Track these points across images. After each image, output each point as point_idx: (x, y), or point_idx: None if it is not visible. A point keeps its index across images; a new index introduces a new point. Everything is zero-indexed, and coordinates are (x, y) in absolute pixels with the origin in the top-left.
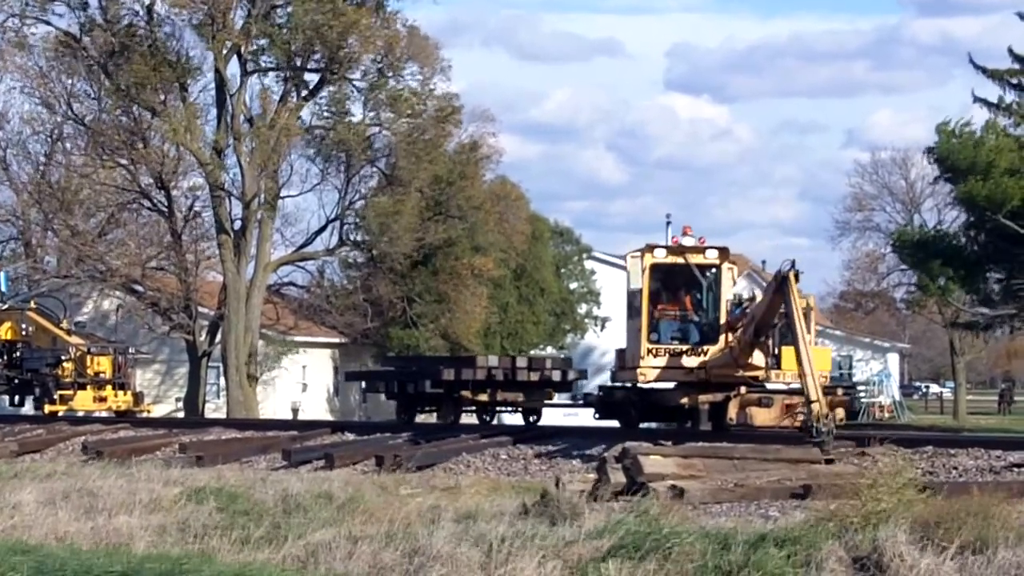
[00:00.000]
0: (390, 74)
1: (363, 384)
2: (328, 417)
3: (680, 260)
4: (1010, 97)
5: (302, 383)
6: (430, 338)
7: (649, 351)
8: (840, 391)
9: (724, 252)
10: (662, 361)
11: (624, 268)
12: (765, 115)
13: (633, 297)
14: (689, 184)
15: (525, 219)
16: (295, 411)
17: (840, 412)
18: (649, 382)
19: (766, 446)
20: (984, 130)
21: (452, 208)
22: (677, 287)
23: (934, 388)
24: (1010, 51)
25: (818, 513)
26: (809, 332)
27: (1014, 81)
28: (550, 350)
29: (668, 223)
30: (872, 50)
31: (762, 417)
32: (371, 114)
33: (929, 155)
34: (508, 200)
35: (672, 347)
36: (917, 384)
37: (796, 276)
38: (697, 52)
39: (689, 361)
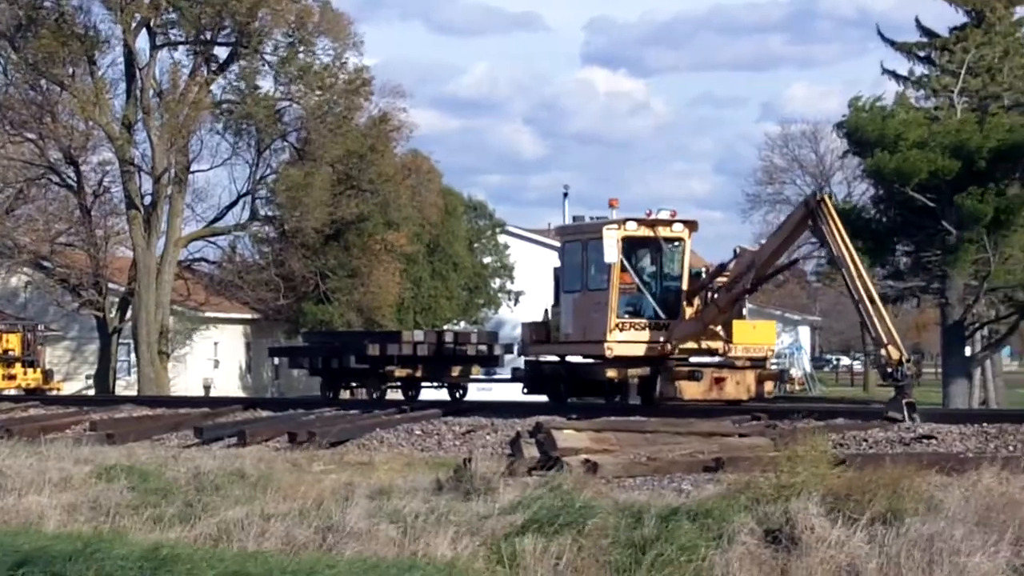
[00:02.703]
0: (301, 48)
1: (281, 360)
2: (240, 394)
3: (650, 233)
4: (919, 70)
5: (214, 360)
6: (343, 313)
7: (617, 325)
8: (771, 364)
9: (692, 225)
10: (630, 335)
11: (538, 242)
12: (683, 88)
13: (588, 270)
14: (606, 157)
15: (437, 193)
16: (207, 388)
17: (769, 385)
18: (617, 356)
19: (678, 419)
20: (895, 104)
21: (364, 182)
22: (642, 259)
23: (844, 360)
24: (918, 23)
25: (731, 486)
26: (744, 305)
27: (922, 54)
28: (464, 325)
29: (565, 195)
30: (790, 23)
31: (692, 391)
32: (282, 88)
33: (839, 129)
34: (420, 173)
35: (639, 321)
36: (828, 356)
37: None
38: (616, 25)
39: (655, 335)
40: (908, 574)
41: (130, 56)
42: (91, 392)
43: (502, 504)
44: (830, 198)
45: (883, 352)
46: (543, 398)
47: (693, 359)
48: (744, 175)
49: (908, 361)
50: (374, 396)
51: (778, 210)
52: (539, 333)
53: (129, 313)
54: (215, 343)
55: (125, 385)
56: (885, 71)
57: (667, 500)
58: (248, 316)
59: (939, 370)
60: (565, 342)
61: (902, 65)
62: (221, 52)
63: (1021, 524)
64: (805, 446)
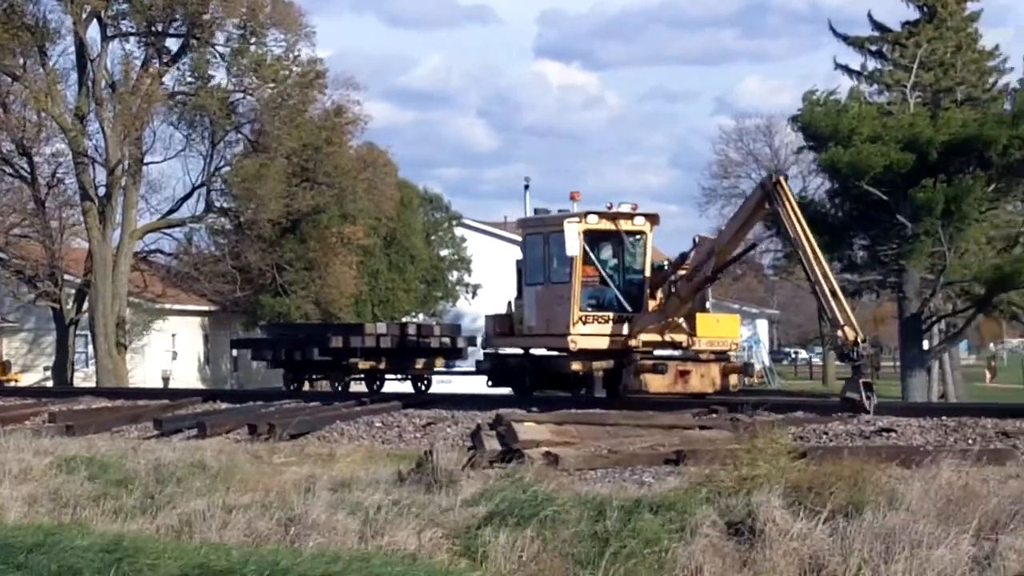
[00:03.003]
0: (253, 40)
1: (240, 352)
2: (199, 385)
3: (612, 226)
4: (872, 65)
5: (172, 351)
6: (300, 305)
7: (580, 318)
8: (735, 358)
9: (653, 218)
10: (593, 328)
11: (495, 235)
12: (636, 82)
13: (551, 262)
14: (560, 150)
15: (394, 185)
16: (165, 380)
17: (734, 378)
18: (581, 349)
19: (639, 412)
20: (848, 98)
21: (319, 174)
22: (604, 252)
23: (803, 354)
24: (870, 18)
25: (692, 478)
26: (708, 298)
27: (875, 49)
28: (422, 317)
29: (527, 187)
30: (742, 18)
31: (656, 384)
32: (234, 80)
33: (793, 123)
34: (376, 166)
35: (603, 314)
36: (786, 350)
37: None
38: (567, 18)
39: (619, 328)
40: (870, 566)
41: (81, 47)
42: (49, 384)
43: (464, 496)
44: (786, 180)
45: (839, 333)
46: (507, 391)
47: (658, 352)
48: (699, 169)
49: (864, 342)
50: (337, 388)
51: (734, 204)
52: (502, 326)
53: (86, 305)
54: (173, 335)
55: (83, 377)
56: (838, 66)
57: (629, 492)
58: (206, 308)
59: (897, 364)
60: (529, 335)
61: (855, 60)
62: (173, 44)
63: (981, 516)
64: (765, 439)
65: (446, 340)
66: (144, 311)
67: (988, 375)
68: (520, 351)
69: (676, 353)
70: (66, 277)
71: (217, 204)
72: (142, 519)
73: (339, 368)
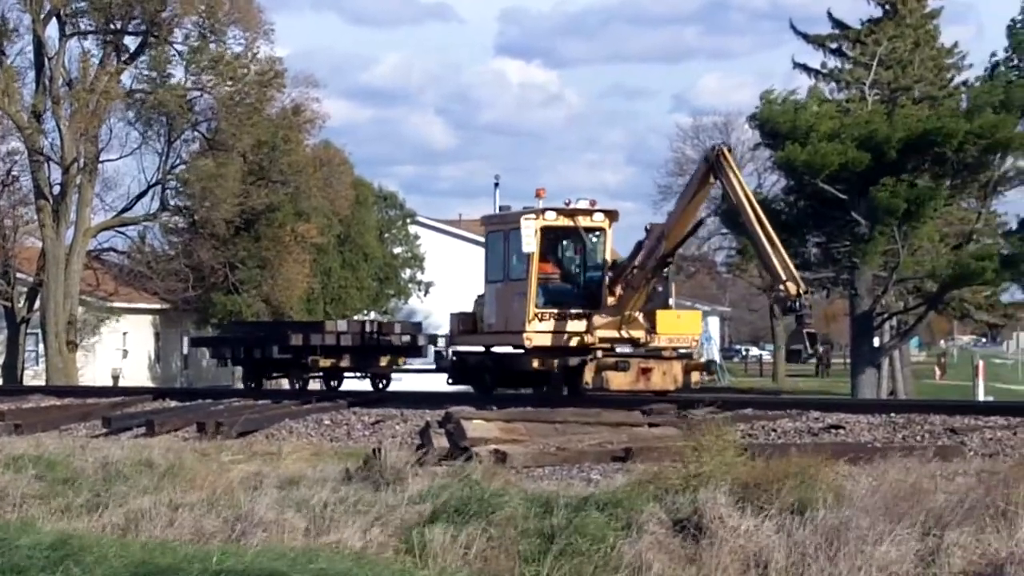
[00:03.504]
0: (212, 38)
1: (191, 350)
2: (149, 384)
3: (570, 223)
4: (832, 63)
5: (123, 350)
6: (252, 304)
7: (536, 315)
8: (699, 355)
9: (612, 215)
10: (549, 325)
11: (449, 233)
12: (596, 80)
13: (510, 259)
14: (518, 148)
15: (349, 184)
16: (116, 378)
17: (696, 375)
18: (538, 346)
19: (587, 410)
20: (807, 96)
21: (275, 173)
22: (562, 249)
23: (754, 351)
24: (830, 16)
25: (639, 476)
26: (671, 296)
27: (834, 46)
28: (374, 315)
29: (496, 184)
30: (703, 15)
31: (618, 381)
32: (192, 78)
33: (751, 121)
34: (332, 165)
35: (559, 311)
36: (737, 347)
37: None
38: (529, 16)
39: (575, 325)
40: (816, 563)
41: (39, 45)
42: None
43: (411, 494)
44: (729, 151)
45: (782, 287)
46: (459, 389)
47: (620, 349)
48: (656, 166)
49: (806, 292)
50: (296, 386)
51: None
52: (466, 323)
53: (37, 303)
54: (124, 333)
55: (33, 375)
56: (796, 65)
57: (576, 490)
58: (157, 306)
59: (848, 360)
60: (489, 332)
61: (815, 58)
62: (131, 42)
63: (927, 513)
64: (713, 436)
65: (406, 338)
66: (96, 309)
67: (938, 372)
68: (481, 349)
69: (639, 350)
70: (18, 275)
71: (172, 202)
72: (88, 518)
73: (299, 366)
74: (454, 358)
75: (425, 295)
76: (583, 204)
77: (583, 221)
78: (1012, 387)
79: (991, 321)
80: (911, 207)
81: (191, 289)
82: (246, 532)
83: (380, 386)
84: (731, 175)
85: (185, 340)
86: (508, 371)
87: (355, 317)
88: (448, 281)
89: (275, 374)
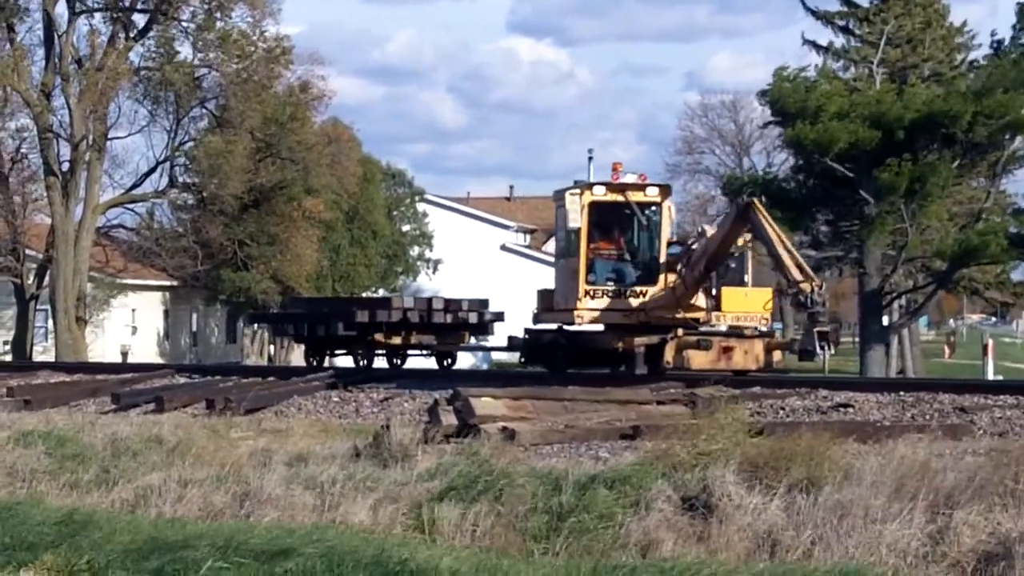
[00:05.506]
0: (219, 15)
1: (199, 326)
2: (158, 360)
3: (620, 198)
4: (840, 41)
5: (132, 326)
6: (260, 280)
7: (587, 292)
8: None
9: (665, 189)
10: (601, 303)
11: (457, 211)
12: (607, 58)
13: (569, 236)
14: (529, 127)
15: (357, 161)
16: (124, 354)
17: (778, 355)
18: (587, 324)
19: (596, 387)
20: (817, 74)
21: (283, 150)
22: (615, 226)
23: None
24: None
25: (648, 453)
26: (747, 272)
27: (842, 24)
28: (382, 292)
29: (590, 158)
30: None
31: (699, 360)
32: (200, 55)
33: (762, 98)
34: (340, 142)
35: (611, 288)
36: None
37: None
38: None
39: (628, 303)
40: (824, 541)
41: (49, 23)
42: (8, 358)
43: (420, 471)
44: (759, 201)
45: (797, 289)
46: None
47: (703, 328)
48: (666, 144)
49: (820, 287)
50: (360, 364)
51: (697, 179)
52: (546, 301)
53: (47, 279)
54: (133, 310)
55: (42, 351)
56: (806, 41)
57: (585, 468)
58: (166, 283)
59: (857, 339)
60: (558, 309)
61: (825, 36)
62: (139, 19)
63: (935, 492)
64: (722, 414)
65: (473, 315)
66: (105, 286)
67: (947, 351)
68: (555, 327)
69: (721, 328)
70: (27, 252)
71: (180, 179)
72: (98, 493)
73: (364, 343)
74: (526, 336)
75: (434, 273)
76: (630, 178)
77: (635, 196)
78: (1021, 366)
79: (1001, 299)
80: (915, 185)
81: (200, 265)
82: (255, 509)
83: (445, 363)
84: (762, 219)
85: (195, 316)
86: (583, 350)
87: (363, 293)
88: (456, 259)
89: (337, 351)
